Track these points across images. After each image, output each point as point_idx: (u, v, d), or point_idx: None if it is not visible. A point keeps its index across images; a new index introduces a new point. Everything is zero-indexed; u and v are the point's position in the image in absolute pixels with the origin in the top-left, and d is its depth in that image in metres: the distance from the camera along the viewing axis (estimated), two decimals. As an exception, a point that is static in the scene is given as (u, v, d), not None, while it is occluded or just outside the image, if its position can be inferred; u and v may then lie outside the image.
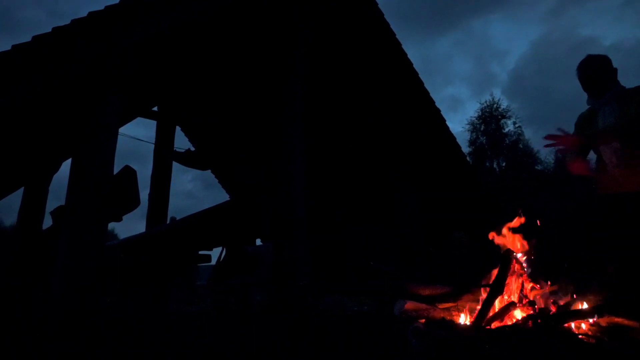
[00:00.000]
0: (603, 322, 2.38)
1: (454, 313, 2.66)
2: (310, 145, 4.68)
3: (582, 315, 2.32)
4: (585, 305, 2.44)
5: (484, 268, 2.86)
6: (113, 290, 4.58)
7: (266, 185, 5.47)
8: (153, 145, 6.53)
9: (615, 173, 2.62)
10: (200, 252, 5.09)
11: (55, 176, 5.58)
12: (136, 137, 7.26)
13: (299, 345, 2.57)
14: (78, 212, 3.06)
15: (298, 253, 4.06)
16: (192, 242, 5.02)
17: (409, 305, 2.54)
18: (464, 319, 2.62)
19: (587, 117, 2.86)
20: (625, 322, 2.33)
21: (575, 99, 3.04)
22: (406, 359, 2.14)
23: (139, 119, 6.59)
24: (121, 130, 4.44)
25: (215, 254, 5.25)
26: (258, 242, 6.18)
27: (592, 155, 2.91)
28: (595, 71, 2.72)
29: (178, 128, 7.28)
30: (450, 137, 6.75)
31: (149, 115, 6.66)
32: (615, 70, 2.72)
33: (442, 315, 2.54)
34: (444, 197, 6.97)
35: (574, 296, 2.60)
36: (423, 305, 2.58)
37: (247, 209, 5.22)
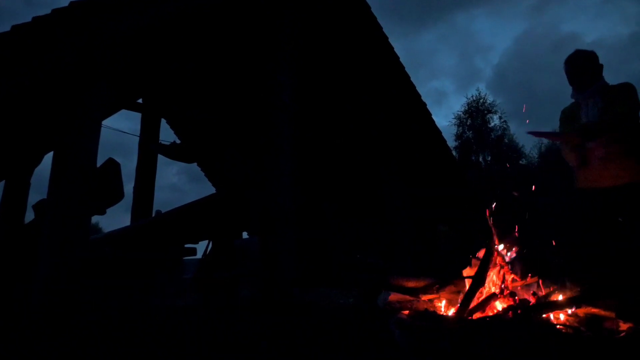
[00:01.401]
0: (581, 312, 2.45)
1: (437, 304, 2.70)
2: (299, 139, 4.67)
3: (560, 306, 2.38)
4: (563, 297, 2.51)
5: (467, 260, 2.91)
6: (98, 285, 4.53)
7: (254, 180, 5.45)
8: (137, 138, 6.46)
9: (598, 167, 2.68)
10: (186, 246, 5.07)
11: (36, 169, 5.48)
12: (120, 129, 7.15)
13: (286, 337, 2.58)
14: (61, 205, 3.02)
15: (285, 246, 4.07)
16: (178, 236, 5.00)
17: (393, 297, 2.58)
18: (446, 310, 2.67)
19: (570, 110, 2.92)
20: (602, 312, 2.40)
21: (557, 94, 3.09)
22: (390, 350, 2.17)
23: (123, 111, 6.50)
24: (105, 122, 4.39)
25: (201, 247, 5.24)
26: (245, 235, 6.18)
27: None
28: (583, 66, 2.78)
29: (163, 120, 7.20)
30: (437, 132, 6.82)
31: (133, 107, 6.57)
32: (601, 66, 2.78)
33: (425, 306, 2.58)
34: (432, 193, 7.07)
35: (553, 288, 2.66)
36: (406, 297, 2.61)
37: (233, 202, 5.21)
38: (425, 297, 2.80)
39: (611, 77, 2.82)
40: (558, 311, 2.41)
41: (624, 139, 2.58)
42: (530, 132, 2.83)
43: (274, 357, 2.15)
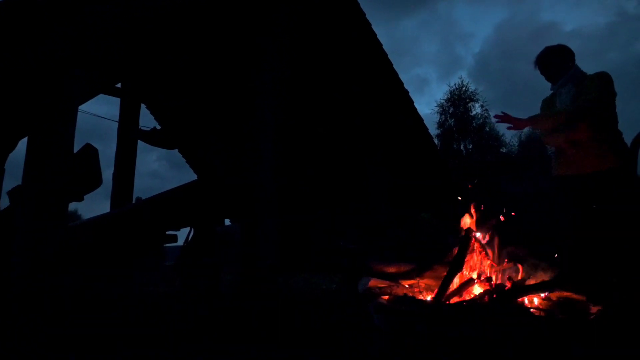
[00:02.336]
0: (554, 296, 2.53)
1: (416, 289, 2.76)
2: (284, 127, 4.65)
3: (534, 290, 2.46)
4: (537, 281, 2.59)
5: (447, 246, 2.97)
6: (78, 273, 4.47)
7: (236, 167, 5.41)
8: (116, 123, 6.32)
9: (570, 154, 2.75)
10: (167, 232, 5.02)
11: (11, 155, 5.32)
12: (98, 114, 6.99)
13: (268, 324, 2.60)
14: (36, 191, 2.95)
15: (267, 233, 4.07)
16: (159, 222, 4.94)
17: (373, 282, 2.62)
18: (425, 295, 2.73)
19: (549, 100, 2.99)
20: (574, 296, 2.49)
21: (537, 83, 3.14)
22: (369, 334, 2.21)
23: (100, 96, 6.34)
24: (82, 107, 4.27)
25: (182, 234, 5.20)
26: (227, 222, 6.16)
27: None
28: (552, 62, 2.85)
29: (143, 105, 7.06)
30: (420, 122, 6.88)
31: (111, 92, 6.41)
32: (573, 55, 2.83)
33: (404, 291, 2.62)
34: (415, 184, 7.18)
35: (529, 273, 2.74)
36: (386, 282, 2.66)
37: (215, 189, 5.16)
38: (405, 283, 2.85)
39: (589, 65, 2.89)
40: (532, 295, 2.49)
41: (594, 127, 2.65)
42: (496, 116, 2.78)
43: (255, 344, 2.17)
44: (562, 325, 2.17)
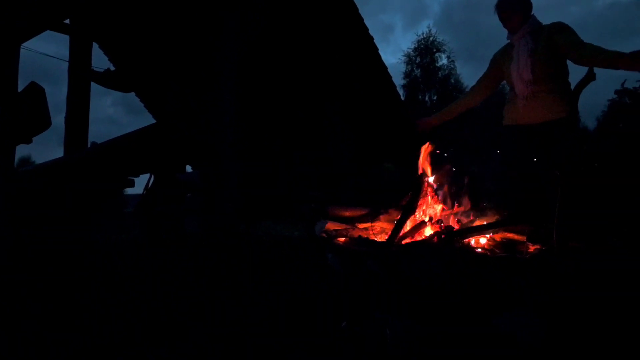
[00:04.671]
0: (498, 237, 2.71)
1: (371, 232, 2.88)
2: (244, 74, 4.50)
3: (479, 230, 2.62)
4: (483, 223, 2.75)
5: (403, 192, 3.08)
6: (32, 221, 4.34)
7: (196, 113, 5.26)
8: (67, 64, 5.94)
9: (523, 105, 2.84)
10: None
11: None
12: (46, 53, 6.50)
13: (231, 269, 2.66)
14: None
15: (228, 180, 4.06)
16: (118, 168, 4.81)
17: (330, 225, 2.70)
18: (379, 237, 2.86)
19: (503, 52, 3.02)
20: (515, 237, 2.68)
21: (502, 33, 3.15)
22: (325, 273, 2.31)
23: (49, 33, 5.88)
24: (28, 45, 3.97)
25: (140, 180, 5.10)
26: (188, 169, 6.08)
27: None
28: (511, 9, 2.85)
29: (95, 45, 6.63)
30: (384, 72, 6.83)
31: (60, 29, 5.96)
32: (530, 5, 2.85)
33: (359, 233, 2.73)
34: (378, 133, 7.25)
35: (477, 216, 2.91)
36: (343, 225, 2.75)
37: (176, 135, 5.04)
38: (361, 226, 2.96)
39: (550, 18, 2.91)
40: (478, 235, 2.66)
41: (551, 79, 2.73)
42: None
43: (213, 289, 2.23)
44: (500, 262, 2.34)
